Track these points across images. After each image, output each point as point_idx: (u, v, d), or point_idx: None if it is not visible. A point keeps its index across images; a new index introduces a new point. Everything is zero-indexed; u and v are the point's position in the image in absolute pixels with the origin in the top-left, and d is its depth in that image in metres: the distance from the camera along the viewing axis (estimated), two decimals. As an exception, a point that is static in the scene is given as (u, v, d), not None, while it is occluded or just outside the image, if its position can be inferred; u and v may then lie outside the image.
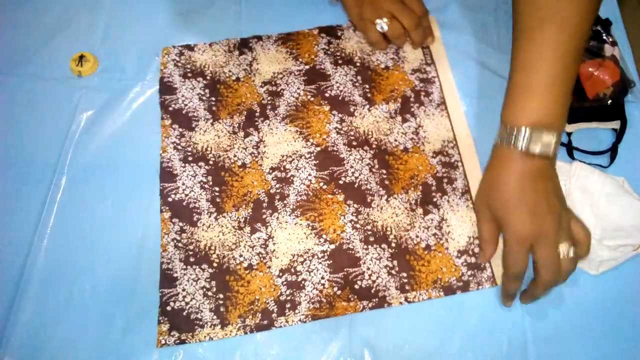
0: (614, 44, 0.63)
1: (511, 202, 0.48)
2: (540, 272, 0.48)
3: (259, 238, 0.56)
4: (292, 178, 0.58)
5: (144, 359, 0.51)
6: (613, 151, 0.60)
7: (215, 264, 0.55)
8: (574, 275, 0.54)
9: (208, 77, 0.64)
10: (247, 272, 0.54)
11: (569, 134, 0.61)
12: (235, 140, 0.60)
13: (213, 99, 0.63)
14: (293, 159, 0.59)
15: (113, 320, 0.53)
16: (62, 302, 0.54)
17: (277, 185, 0.58)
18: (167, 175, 0.59)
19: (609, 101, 0.61)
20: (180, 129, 0.61)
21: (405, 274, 0.54)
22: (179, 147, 0.60)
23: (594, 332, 0.53)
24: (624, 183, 0.57)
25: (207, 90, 0.63)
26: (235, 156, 0.60)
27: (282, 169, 0.59)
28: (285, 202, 0.57)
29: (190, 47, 0.66)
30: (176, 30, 0.69)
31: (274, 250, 0.55)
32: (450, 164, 0.60)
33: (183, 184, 0.58)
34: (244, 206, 0.57)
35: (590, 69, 0.61)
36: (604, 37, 0.64)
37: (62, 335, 0.52)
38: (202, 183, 0.58)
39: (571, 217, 0.49)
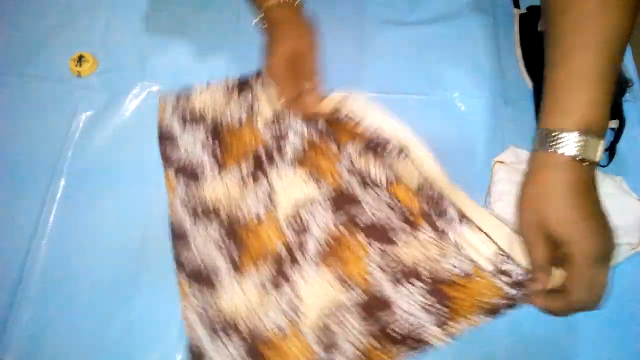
0: (612, 43, 0.64)
1: (577, 218, 0.42)
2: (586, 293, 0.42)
3: (286, 298, 0.51)
4: (307, 224, 0.54)
5: (145, 358, 0.52)
6: (611, 150, 0.60)
7: (244, 334, 0.49)
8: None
9: (209, 122, 0.60)
10: (280, 338, 0.49)
11: (567, 134, 0.61)
12: (246, 189, 0.56)
13: (217, 144, 0.59)
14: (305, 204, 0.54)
15: (113, 321, 0.53)
16: (61, 302, 0.54)
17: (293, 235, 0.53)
18: (178, 235, 0.54)
19: (607, 101, 0.61)
20: (186, 180, 0.57)
21: (442, 306, 0.48)
22: (188, 205, 0.56)
23: (592, 330, 0.53)
24: (622, 182, 0.58)
25: (209, 136, 0.59)
26: (248, 208, 0.55)
27: (297, 218, 0.54)
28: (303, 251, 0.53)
29: (187, 91, 0.61)
30: (175, 30, 0.69)
31: (303, 311, 0.50)
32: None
33: (196, 247, 0.54)
34: (263, 263, 0.52)
35: (588, 69, 0.61)
36: (602, 37, 0.64)
37: (62, 335, 0.52)
38: (216, 241, 0.54)
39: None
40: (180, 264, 0.53)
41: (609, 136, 0.62)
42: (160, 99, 0.62)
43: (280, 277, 0.51)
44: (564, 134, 0.43)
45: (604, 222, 0.43)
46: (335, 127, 0.57)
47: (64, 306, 0.54)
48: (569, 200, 0.42)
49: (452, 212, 0.52)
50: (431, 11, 0.70)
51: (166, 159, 0.59)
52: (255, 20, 0.59)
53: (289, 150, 0.57)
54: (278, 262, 0.52)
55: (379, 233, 0.52)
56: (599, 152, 0.43)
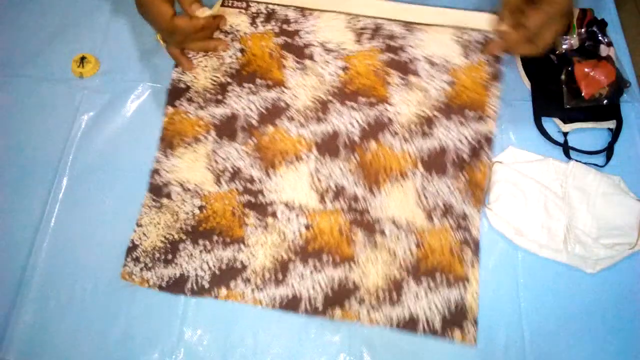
0: (609, 44, 0.64)
1: None
2: (540, 33, 0.54)
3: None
4: None
5: (145, 358, 0.52)
6: (609, 151, 0.61)
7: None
8: (572, 273, 0.55)
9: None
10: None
11: (565, 134, 0.62)
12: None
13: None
14: None
15: (114, 320, 0.53)
16: (63, 301, 0.54)
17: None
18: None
19: (605, 101, 0.61)
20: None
21: None
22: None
23: (590, 329, 0.53)
24: (620, 182, 0.58)
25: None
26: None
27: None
28: None
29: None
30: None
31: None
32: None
33: None
34: None
35: (586, 70, 0.61)
36: (600, 38, 0.64)
37: (64, 335, 0.53)
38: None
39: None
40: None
41: (607, 136, 0.62)
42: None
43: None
44: None
45: None
46: None
47: (65, 306, 0.54)
48: None
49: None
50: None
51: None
52: None
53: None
54: None
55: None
56: None
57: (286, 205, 0.57)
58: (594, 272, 0.55)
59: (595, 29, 0.65)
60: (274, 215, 0.57)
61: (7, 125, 0.63)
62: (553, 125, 0.63)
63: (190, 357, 0.52)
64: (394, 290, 0.54)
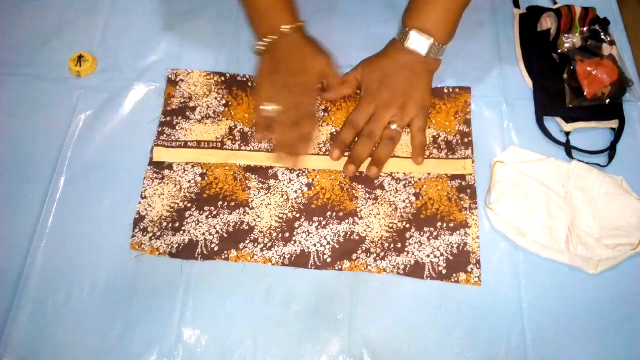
0: (612, 43, 0.64)
1: (379, 72, 0.61)
2: (368, 124, 0.59)
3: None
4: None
5: (144, 358, 0.52)
6: (611, 150, 0.60)
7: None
8: (574, 274, 0.54)
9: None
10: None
11: (568, 134, 0.61)
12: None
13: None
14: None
15: (112, 320, 0.53)
16: (61, 302, 0.54)
17: None
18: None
19: (608, 100, 0.61)
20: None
21: None
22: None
23: (592, 331, 0.53)
24: (623, 182, 0.58)
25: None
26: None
27: None
28: None
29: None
30: (175, 30, 0.69)
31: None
32: None
33: None
34: None
35: (588, 69, 0.61)
36: (602, 37, 0.64)
37: (62, 335, 0.52)
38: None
39: (418, 115, 0.59)
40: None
41: (610, 136, 0.62)
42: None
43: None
44: (404, 30, 0.59)
45: (396, 87, 0.59)
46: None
47: (63, 306, 0.53)
48: (385, 63, 0.61)
49: None
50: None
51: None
52: (258, 44, 0.60)
53: None
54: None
55: None
56: (426, 48, 0.58)
57: (286, 167, 0.60)
58: (596, 272, 0.54)
59: (597, 27, 0.65)
60: (275, 177, 0.59)
61: (5, 125, 0.63)
62: (555, 124, 0.62)
63: (188, 357, 0.51)
64: (399, 240, 0.56)
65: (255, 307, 0.53)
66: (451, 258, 0.55)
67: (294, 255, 0.55)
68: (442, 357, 0.52)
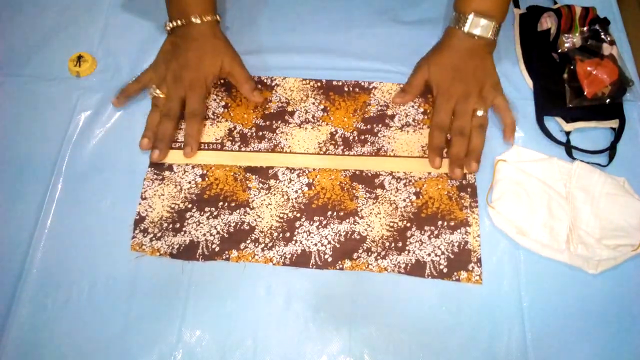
0: (612, 43, 0.64)
1: (446, 66, 0.60)
2: (455, 120, 0.59)
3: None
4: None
5: (144, 358, 0.51)
6: (612, 150, 0.60)
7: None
8: (574, 274, 0.54)
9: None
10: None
11: (568, 133, 0.61)
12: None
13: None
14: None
15: (112, 321, 0.53)
16: (60, 302, 0.53)
17: None
18: None
19: (608, 100, 0.61)
20: None
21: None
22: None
23: (592, 331, 0.53)
24: (625, 183, 0.58)
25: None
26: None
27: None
28: None
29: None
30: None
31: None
32: None
33: None
34: None
35: (588, 68, 0.61)
36: (602, 36, 0.64)
37: (61, 336, 0.52)
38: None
39: (497, 95, 0.59)
40: None
41: (610, 136, 0.62)
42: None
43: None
44: (462, 16, 0.59)
45: (469, 76, 0.59)
46: None
47: (62, 306, 0.53)
48: (450, 55, 0.60)
49: None
50: (432, 11, 0.71)
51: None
52: (167, 24, 0.60)
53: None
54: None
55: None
56: (490, 30, 0.59)
57: (287, 167, 0.59)
58: (596, 272, 0.54)
59: (597, 27, 0.65)
60: (275, 177, 0.59)
61: (4, 125, 0.62)
62: (555, 124, 0.62)
63: (189, 358, 0.51)
64: (400, 239, 0.56)
65: (256, 307, 0.53)
66: (452, 256, 0.55)
67: (295, 255, 0.55)
68: (442, 357, 0.51)
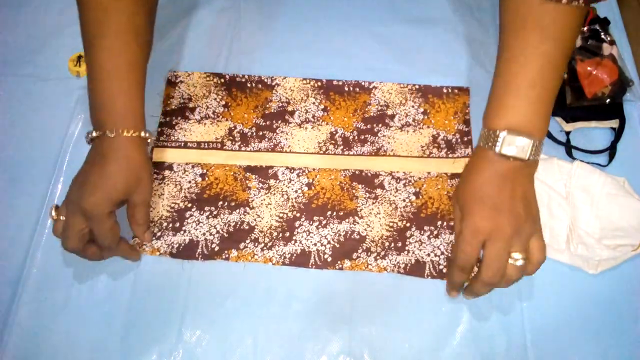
0: (612, 43, 0.63)
1: (476, 195, 0.48)
2: (483, 268, 0.47)
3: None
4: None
5: (144, 358, 0.51)
6: (612, 150, 0.60)
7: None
8: (574, 274, 0.54)
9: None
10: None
11: (568, 133, 0.61)
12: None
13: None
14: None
15: (112, 322, 0.53)
16: (60, 303, 0.53)
17: None
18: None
19: (608, 100, 0.61)
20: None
21: None
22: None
23: (592, 331, 0.53)
24: (625, 183, 0.58)
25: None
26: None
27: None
28: None
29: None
30: (174, 30, 0.69)
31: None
32: None
33: None
34: None
35: (588, 68, 0.61)
36: (602, 36, 0.64)
37: (60, 337, 0.52)
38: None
39: (534, 233, 0.47)
40: None
41: (610, 136, 0.62)
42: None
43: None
44: (492, 133, 0.47)
45: (504, 208, 0.46)
46: None
47: (62, 308, 0.53)
48: (479, 182, 0.48)
49: None
50: (433, 10, 0.71)
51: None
52: (89, 135, 0.51)
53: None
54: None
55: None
56: (527, 150, 0.46)
57: (287, 166, 0.59)
58: (596, 273, 0.54)
59: (597, 27, 0.65)
60: (275, 177, 0.59)
61: (3, 125, 0.62)
62: (555, 124, 0.62)
63: (189, 358, 0.51)
64: (399, 239, 0.56)
65: (256, 307, 0.53)
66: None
67: (295, 255, 0.55)
68: (442, 357, 0.51)
